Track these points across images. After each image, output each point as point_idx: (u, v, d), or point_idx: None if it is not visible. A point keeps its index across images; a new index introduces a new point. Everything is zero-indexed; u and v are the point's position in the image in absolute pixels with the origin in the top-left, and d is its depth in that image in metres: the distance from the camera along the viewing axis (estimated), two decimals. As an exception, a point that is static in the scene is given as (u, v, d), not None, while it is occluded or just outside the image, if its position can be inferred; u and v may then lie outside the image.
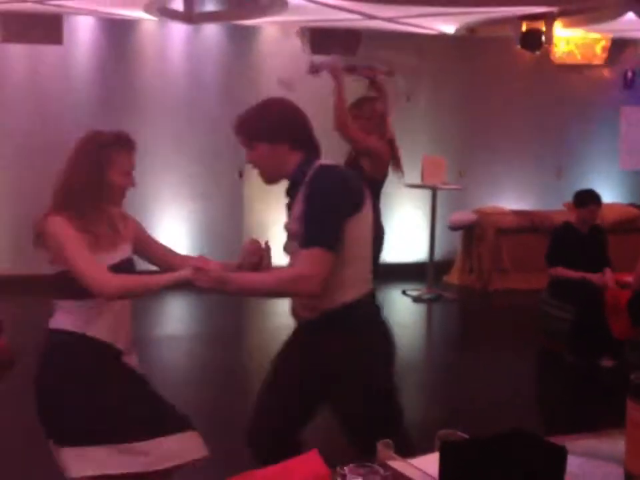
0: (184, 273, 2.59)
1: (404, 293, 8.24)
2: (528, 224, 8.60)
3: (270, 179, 2.79)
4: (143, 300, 8.18)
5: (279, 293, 2.89)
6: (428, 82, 9.03)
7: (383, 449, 1.59)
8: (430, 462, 1.56)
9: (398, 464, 1.55)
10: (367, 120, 4.96)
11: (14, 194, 8.02)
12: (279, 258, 2.85)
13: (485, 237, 8.65)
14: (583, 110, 9.49)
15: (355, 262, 2.70)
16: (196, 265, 2.60)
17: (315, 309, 2.71)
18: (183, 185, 8.44)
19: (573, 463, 1.58)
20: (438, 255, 8.52)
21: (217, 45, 8.42)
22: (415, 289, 8.24)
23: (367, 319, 2.78)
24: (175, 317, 7.61)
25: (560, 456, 1.34)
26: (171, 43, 8.36)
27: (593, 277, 5.87)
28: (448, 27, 7.99)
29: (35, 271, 7.81)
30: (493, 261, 8.60)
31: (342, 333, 2.69)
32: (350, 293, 2.70)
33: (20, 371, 5.74)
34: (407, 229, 9.16)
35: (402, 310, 7.92)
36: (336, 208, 2.61)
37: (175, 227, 8.41)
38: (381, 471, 1.34)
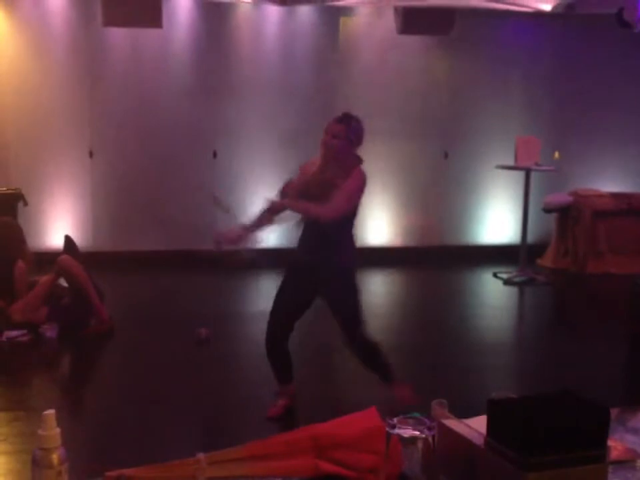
0: None
1: (495, 275, 8.16)
2: (626, 207, 8.37)
3: None
4: (235, 278, 8.22)
5: None
6: (522, 60, 8.87)
7: (437, 407, 1.63)
8: (482, 422, 1.60)
9: (449, 421, 1.59)
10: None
11: (114, 174, 8.30)
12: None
13: (581, 219, 8.46)
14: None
15: None
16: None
17: None
18: (274, 166, 8.56)
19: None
20: (531, 238, 8.39)
21: (310, 26, 8.50)
22: (506, 272, 8.15)
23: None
24: (268, 295, 7.76)
25: (604, 416, 1.36)
26: (265, 25, 8.49)
27: None
28: (545, 4, 7.81)
29: (132, 247, 8.22)
30: (588, 244, 8.41)
31: None
32: None
33: (118, 339, 5.98)
34: (499, 210, 9.06)
35: (492, 292, 7.85)
36: None
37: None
38: (427, 422, 1.38)
